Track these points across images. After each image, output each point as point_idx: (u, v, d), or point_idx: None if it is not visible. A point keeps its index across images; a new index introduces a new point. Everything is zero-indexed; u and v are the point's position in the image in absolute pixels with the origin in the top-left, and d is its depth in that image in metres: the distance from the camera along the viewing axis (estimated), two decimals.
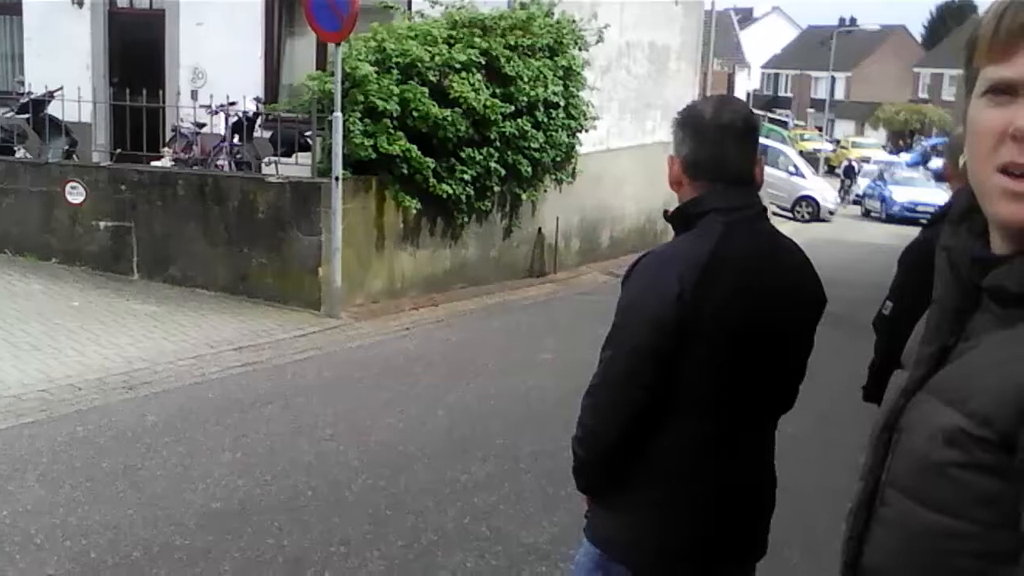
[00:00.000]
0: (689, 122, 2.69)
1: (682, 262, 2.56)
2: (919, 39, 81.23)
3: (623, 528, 2.73)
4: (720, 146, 2.64)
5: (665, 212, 2.81)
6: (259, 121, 13.50)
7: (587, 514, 2.88)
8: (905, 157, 49.29)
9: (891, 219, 32.21)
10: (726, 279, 2.54)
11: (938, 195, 27.78)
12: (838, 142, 59.20)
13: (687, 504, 2.66)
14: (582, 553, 2.86)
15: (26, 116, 13.63)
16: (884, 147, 59.11)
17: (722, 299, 2.53)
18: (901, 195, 33.63)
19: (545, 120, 13.97)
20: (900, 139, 64.88)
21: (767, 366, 2.66)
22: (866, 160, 47.01)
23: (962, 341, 1.43)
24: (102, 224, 12.44)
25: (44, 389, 8.18)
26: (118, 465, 6.56)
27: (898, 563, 1.43)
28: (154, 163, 13.17)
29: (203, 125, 13.52)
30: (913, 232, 4.43)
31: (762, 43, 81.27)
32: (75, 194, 12.36)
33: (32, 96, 13.54)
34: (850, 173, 40.41)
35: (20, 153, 13.58)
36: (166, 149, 14.00)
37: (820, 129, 64.37)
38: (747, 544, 2.85)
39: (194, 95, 13.98)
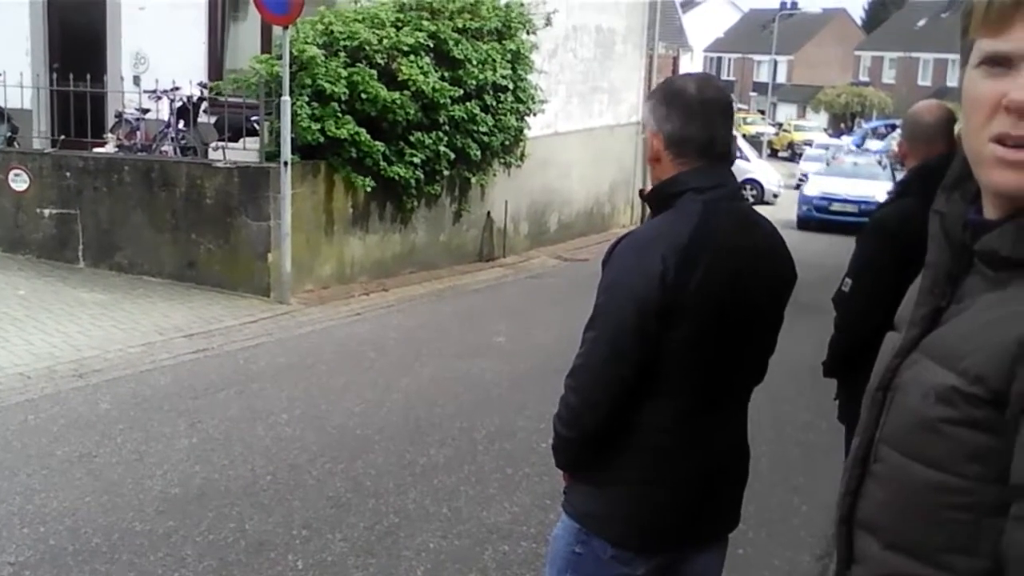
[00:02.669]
0: (674, 98, 2.67)
1: (664, 243, 2.57)
2: (860, 22, 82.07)
3: (604, 503, 2.75)
4: (706, 122, 2.65)
5: (641, 191, 2.83)
6: (204, 106, 13.36)
7: (565, 490, 2.89)
8: (847, 140, 49.66)
9: (800, 223, 24.16)
10: (707, 259, 2.56)
11: (866, 188, 23.17)
12: (780, 125, 59.71)
13: (668, 478, 2.69)
14: (560, 528, 2.87)
15: None
16: (826, 130, 59.67)
17: (704, 279, 2.55)
18: (814, 188, 25.14)
19: (494, 104, 13.98)
20: (841, 122, 65.54)
21: (744, 342, 2.70)
22: (808, 143, 47.43)
23: (954, 303, 1.47)
24: (47, 211, 12.29)
25: None
26: (73, 452, 6.50)
27: (891, 516, 1.48)
28: (98, 149, 13.00)
29: (147, 111, 13.35)
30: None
31: (704, 27, 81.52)
32: (19, 181, 12.19)
33: None
34: None
35: None
36: (110, 135, 13.82)
37: (763, 112, 64.88)
38: (724, 516, 2.89)
39: (137, 80, 13.79)
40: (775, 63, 66.14)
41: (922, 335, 1.49)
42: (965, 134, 1.44)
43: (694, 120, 2.64)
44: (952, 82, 59.73)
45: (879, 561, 1.49)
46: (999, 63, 1.37)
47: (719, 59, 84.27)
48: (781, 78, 73.45)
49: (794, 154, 48.84)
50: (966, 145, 1.44)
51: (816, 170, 28.86)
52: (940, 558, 1.39)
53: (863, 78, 72.27)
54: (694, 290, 2.54)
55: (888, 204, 4.24)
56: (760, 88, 70.81)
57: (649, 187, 2.78)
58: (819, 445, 7.15)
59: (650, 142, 2.73)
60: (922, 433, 1.40)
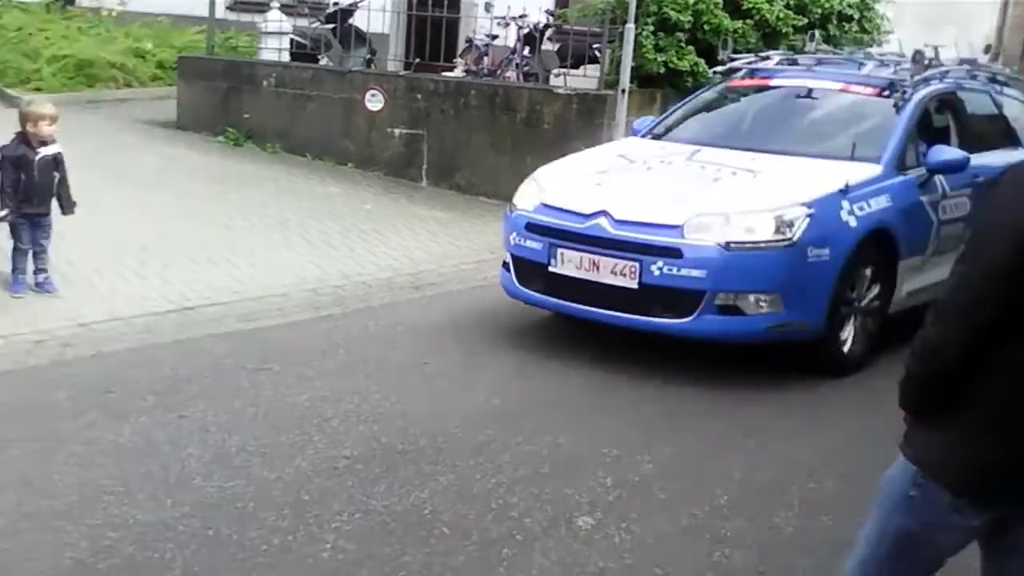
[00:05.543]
0: None
1: None
2: None
3: (946, 449, 2.64)
4: None
5: None
6: (548, 33, 13.63)
7: (906, 432, 2.77)
8: None
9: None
10: None
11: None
12: None
13: (1017, 430, 2.54)
14: (896, 469, 2.77)
15: (332, 26, 14.24)
16: None
17: None
18: (530, 198, 8.29)
19: (837, 34, 13.47)
20: None
21: None
22: None
23: None
24: (396, 132, 12.93)
25: (339, 285, 8.65)
26: (407, 360, 6.94)
27: None
28: (447, 73, 13.53)
29: (495, 37, 13.76)
30: None
31: None
32: (374, 101, 12.86)
33: (339, 6, 14.13)
34: None
35: (323, 61, 14.26)
36: (459, 60, 14.35)
37: None
38: None
39: (488, 7, 14.22)
40: None
41: None
42: None
43: None
44: None
45: None
46: None
47: None
48: None
49: None
50: None
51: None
52: None
53: None
54: None
55: None
56: None
57: None
58: None
59: None
60: None
